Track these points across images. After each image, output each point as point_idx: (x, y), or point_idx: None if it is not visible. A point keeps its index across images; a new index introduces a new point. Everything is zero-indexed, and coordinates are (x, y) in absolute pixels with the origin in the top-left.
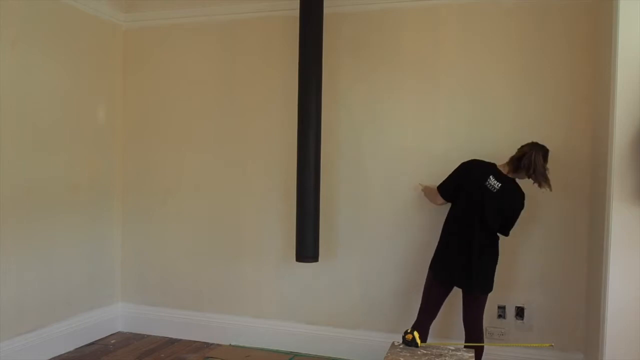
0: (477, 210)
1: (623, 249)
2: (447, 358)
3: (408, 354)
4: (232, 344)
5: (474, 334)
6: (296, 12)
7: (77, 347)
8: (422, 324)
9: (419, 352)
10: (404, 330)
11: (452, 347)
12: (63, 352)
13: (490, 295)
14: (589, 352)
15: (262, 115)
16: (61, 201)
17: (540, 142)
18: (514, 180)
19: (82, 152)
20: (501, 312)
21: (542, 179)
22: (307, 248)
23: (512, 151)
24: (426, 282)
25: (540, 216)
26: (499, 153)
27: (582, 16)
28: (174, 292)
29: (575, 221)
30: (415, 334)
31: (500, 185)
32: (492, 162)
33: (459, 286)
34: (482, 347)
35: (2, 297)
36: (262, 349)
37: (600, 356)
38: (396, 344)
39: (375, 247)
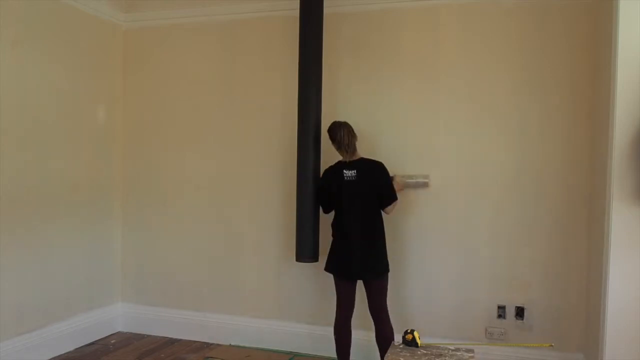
0: (350, 204)
1: (623, 249)
2: (447, 358)
3: (408, 354)
4: (232, 344)
5: (379, 323)
6: (296, 12)
7: (77, 347)
8: (340, 319)
9: (419, 352)
10: (404, 330)
11: (452, 347)
12: (63, 352)
13: (490, 295)
14: (589, 352)
15: (262, 115)
16: (61, 201)
17: (540, 142)
18: (362, 158)
19: (82, 152)
20: (501, 312)
21: (348, 148)
22: (306, 248)
23: (513, 151)
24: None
25: (540, 216)
26: (499, 152)
27: (582, 16)
28: (174, 292)
29: (575, 221)
30: (416, 334)
31: (355, 171)
32: (337, 161)
33: (353, 278)
34: (392, 335)
35: (2, 297)
36: (262, 349)
37: (600, 356)
38: (396, 344)
39: None
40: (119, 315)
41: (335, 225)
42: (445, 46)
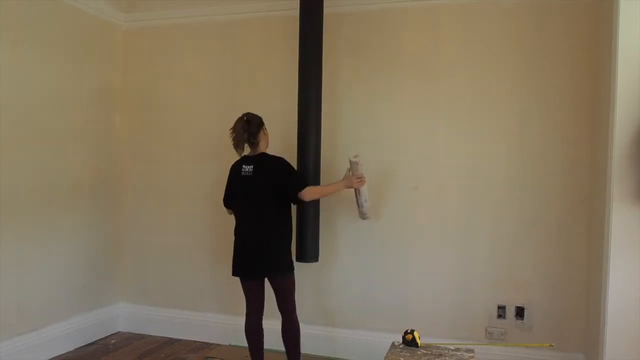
0: (246, 200)
1: (623, 249)
2: (447, 358)
3: (408, 354)
4: (232, 344)
5: (285, 320)
6: (296, 12)
7: (77, 347)
8: (250, 317)
9: (419, 352)
10: (404, 330)
11: (452, 347)
12: (63, 352)
13: (490, 295)
14: (589, 352)
15: (262, 115)
16: (61, 201)
17: (540, 142)
18: (262, 154)
19: (81, 152)
20: (501, 312)
21: (250, 144)
22: (307, 248)
23: (513, 150)
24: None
25: (540, 216)
26: (499, 152)
27: (582, 16)
28: (174, 292)
29: (575, 221)
30: (416, 334)
31: (252, 167)
32: (243, 155)
33: (255, 277)
34: (296, 330)
35: (2, 297)
36: None
37: (600, 356)
38: (396, 344)
39: (375, 247)
40: (119, 315)
41: (235, 224)
42: (445, 46)
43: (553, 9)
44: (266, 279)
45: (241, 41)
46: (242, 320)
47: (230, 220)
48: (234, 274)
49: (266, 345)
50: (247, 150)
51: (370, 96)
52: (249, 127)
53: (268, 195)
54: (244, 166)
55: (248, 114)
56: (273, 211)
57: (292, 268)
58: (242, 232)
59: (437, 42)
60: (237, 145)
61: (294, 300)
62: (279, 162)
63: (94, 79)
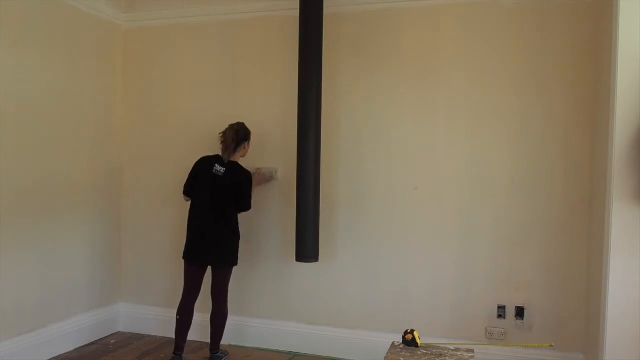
0: (210, 195)
1: (623, 249)
2: (447, 358)
3: (408, 354)
4: (232, 344)
5: (215, 305)
6: (296, 12)
7: (77, 347)
8: (184, 302)
9: (419, 352)
10: (404, 330)
11: (452, 347)
12: (63, 352)
13: (490, 295)
14: (589, 352)
15: (262, 115)
16: (61, 201)
17: (540, 141)
18: (236, 163)
19: (81, 152)
20: (501, 312)
21: (230, 151)
22: (307, 248)
23: (513, 150)
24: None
25: (540, 216)
26: (500, 152)
27: (582, 16)
28: (174, 292)
29: (575, 221)
30: (416, 334)
31: (224, 169)
32: (217, 154)
33: (202, 263)
34: (223, 317)
35: (2, 297)
36: (262, 349)
37: (600, 356)
38: (396, 344)
39: (375, 247)
40: (119, 315)
41: (191, 212)
42: (445, 46)
43: (553, 9)
44: (209, 269)
45: (241, 41)
46: (242, 320)
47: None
48: (184, 257)
49: (266, 345)
50: (219, 150)
51: (371, 96)
52: (236, 137)
53: (231, 199)
54: (216, 165)
55: (239, 124)
56: (230, 212)
57: (234, 264)
58: (198, 223)
59: (437, 42)
60: (226, 149)
61: (227, 291)
62: (246, 178)
63: (93, 79)
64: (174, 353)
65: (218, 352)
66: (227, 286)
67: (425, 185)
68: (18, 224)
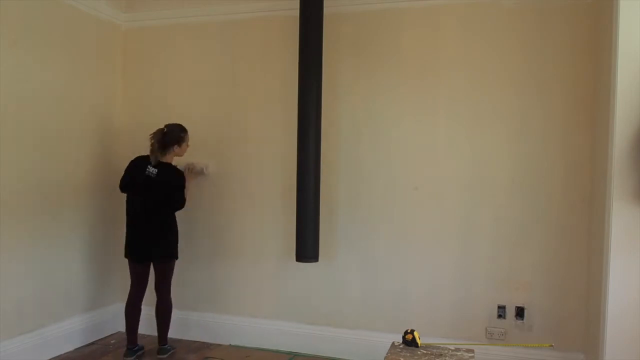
0: (143, 194)
1: (623, 249)
2: (447, 358)
3: (408, 354)
4: (232, 344)
5: (158, 298)
6: (296, 12)
7: (77, 347)
8: (131, 297)
9: (419, 352)
10: (404, 330)
11: (452, 347)
12: (63, 352)
13: (490, 295)
14: (589, 352)
15: (262, 115)
16: (61, 201)
17: (540, 142)
18: (167, 163)
19: (81, 152)
20: (501, 312)
21: (157, 154)
22: (307, 248)
23: (513, 150)
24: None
25: (540, 216)
26: (500, 152)
27: (582, 16)
28: (173, 292)
29: (575, 221)
30: (416, 334)
31: (156, 170)
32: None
33: (142, 259)
34: (168, 310)
35: (2, 297)
36: (262, 349)
37: (600, 356)
38: (396, 344)
39: (375, 247)
40: (119, 315)
41: (128, 211)
42: (445, 46)
43: (553, 9)
44: (152, 265)
45: (241, 41)
46: (242, 320)
47: (231, 221)
48: (125, 255)
49: (266, 345)
50: (148, 150)
51: (371, 96)
52: (163, 138)
53: (164, 198)
54: (149, 167)
55: (169, 126)
56: (164, 211)
57: (174, 257)
58: (135, 222)
59: (437, 42)
60: (152, 152)
61: (170, 284)
62: (176, 178)
63: (93, 79)
64: (127, 347)
65: (166, 344)
66: (170, 280)
67: (425, 185)
68: (18, 224)
